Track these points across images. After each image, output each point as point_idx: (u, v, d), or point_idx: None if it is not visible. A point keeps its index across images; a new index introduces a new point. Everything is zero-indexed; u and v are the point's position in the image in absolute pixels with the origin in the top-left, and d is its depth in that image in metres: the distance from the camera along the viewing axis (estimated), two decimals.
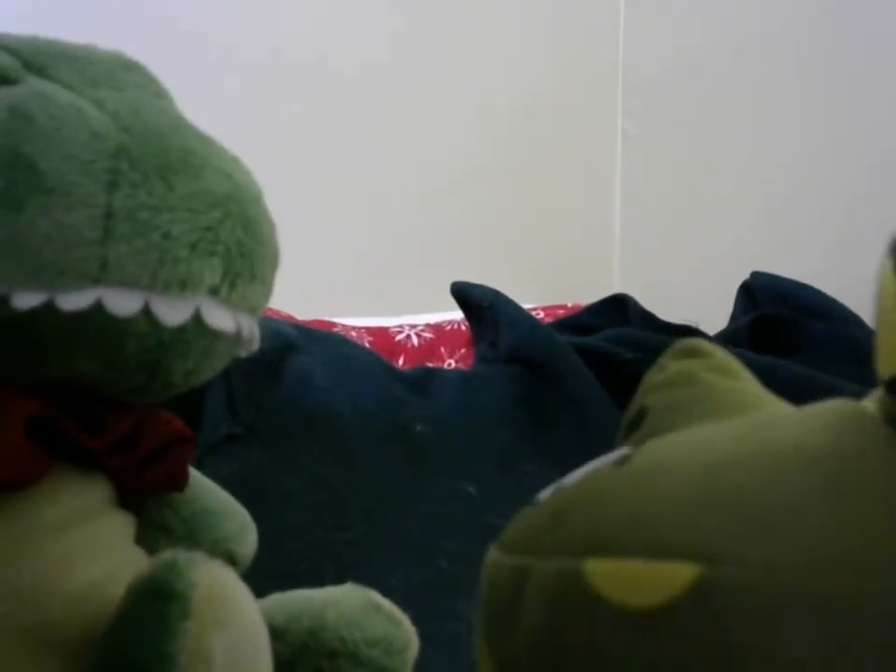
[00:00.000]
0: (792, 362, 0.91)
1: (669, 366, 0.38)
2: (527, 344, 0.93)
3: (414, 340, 1.11)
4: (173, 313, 0.36)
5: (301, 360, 0.83)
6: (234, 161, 0.39)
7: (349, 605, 0.44)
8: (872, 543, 0.23)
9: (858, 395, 0.29)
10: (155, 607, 0.32)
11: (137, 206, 0.35)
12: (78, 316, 0.34)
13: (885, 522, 0.24)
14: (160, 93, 0.41)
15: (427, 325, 1.15)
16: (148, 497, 0.42)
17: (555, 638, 0.26)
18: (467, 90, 1.55)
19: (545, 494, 0.31)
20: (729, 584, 0.24)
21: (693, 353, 0.38)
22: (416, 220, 1.51)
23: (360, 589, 0.46)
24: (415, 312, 1.21)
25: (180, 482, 0.42)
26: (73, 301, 0.34)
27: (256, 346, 0.41)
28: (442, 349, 1.11)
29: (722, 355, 0.38)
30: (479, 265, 1.28)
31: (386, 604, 0.46)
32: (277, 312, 1.03)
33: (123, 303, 0.35)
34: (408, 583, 0.65)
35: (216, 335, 0.38)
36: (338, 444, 0.77)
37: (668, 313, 1.10)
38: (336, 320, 1.13)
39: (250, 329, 0.40)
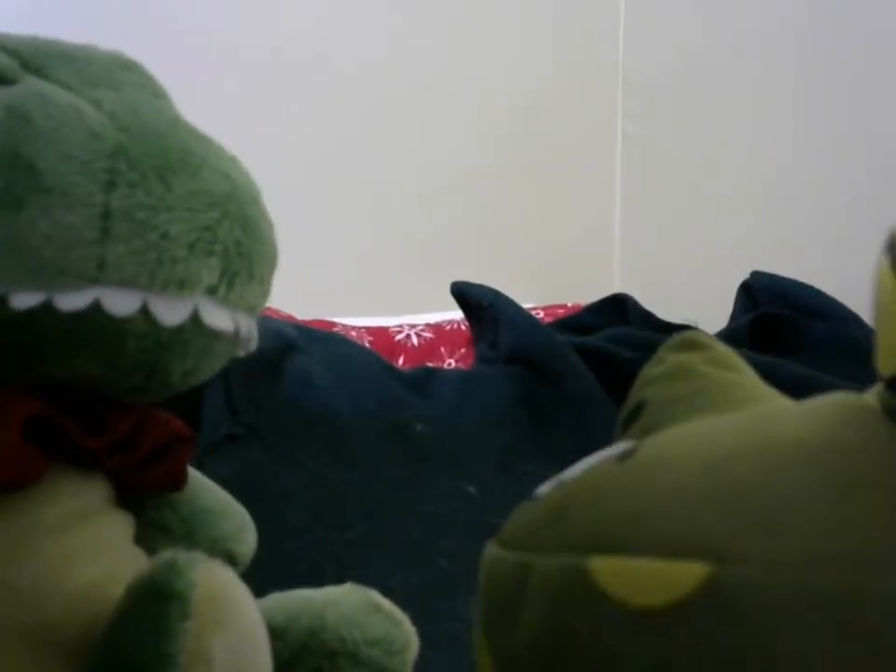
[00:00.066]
0: (792, 362, 0.91)
1: (668, 359, 0.38)
2: (527, 344, 0.93)
3: (414, 340, 1.11)
4: (171, 312, 0.36)
5: (301, 360, 0.83)
6: (233, 160, 0.39)
7: (349, 605, 0.44)
8: (873, 538, 0.23)
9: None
10: (154, 607, 0.32)
11: (135, 206, 0.35)
12: (77, 316, 0.34)
13: (886, 515, 0.24)
14: (158, 93, 0.41)
15: (427, 325, 1.15)
16: (148, 497, 0.42)
17: (559, 636, 0.26)
18: (467, 90, 1.55)
19: (544, 489, 0.31)
20: (738, 583, 0.23)
21: (691, 346, 0.38)
22: (416, 220, 1.51)
23: (360, 589, 0.46)
24: (415, 312, 1.21)
25: (179, 481, 0.42)
26: (71, 301, 0.34)
27: (254, 346, 0.41)
28: (442, 349, 1.11)
29: (721, 348, 0.38)
30: (479, 265, 1.28)
31: (386, 604, 0.45)
32: (277, 312, 1.03)
33: (121, 303, 0.35)
34: (408, 583, 0.65)
35: (214, 335, 0.38)
36: (338, 444, 0.77)
37: (668, 313, 1.10)
38: (336, 320, 1.13)
39: (248, 328, 0.40)
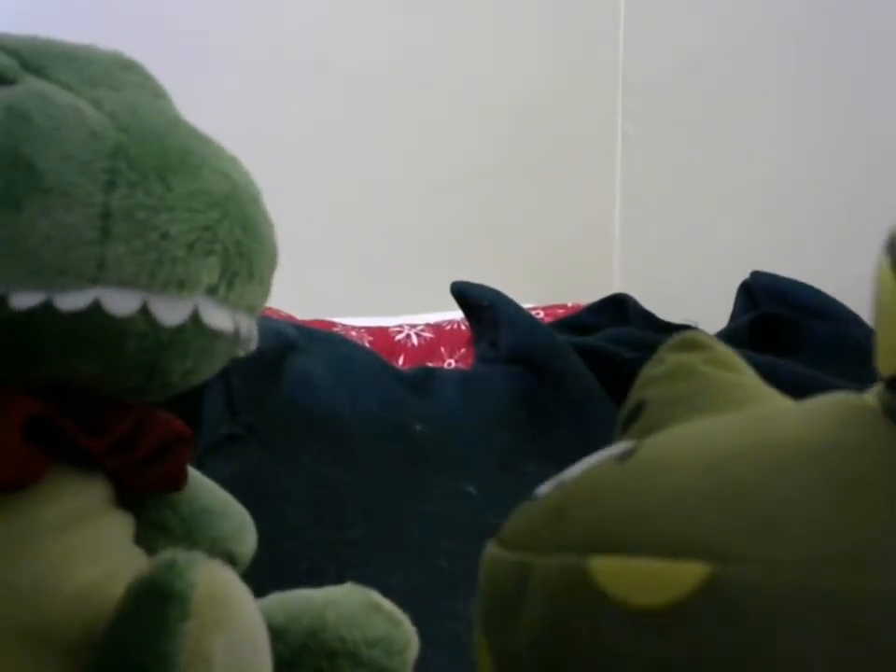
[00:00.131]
0: (792, 362, 0.91)
1: (668, 359, 0.38)
2: (527, 344, 0.93)
3: (414, 340, 1.11)
4: (171, 312, 0.36)
5: (300, 360, 0.83)
6: (232, 160, 0.39)
7: (349, 605, 0.44)
8: (873, 538, 0.23)
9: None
10: (154, 607, 0.32)
11: (135, 206, 0.35)
12: (77, 316, 0.34)
13: (886, 515, 0.24)
14: (158, 93, 0.41)
15: (427, 325, 1.15)
16: (148, 497, 0.42)
17: (559, 636, 0.26)
18: (467, 90, 1.55)
19: (544, 489, 0.31)
20: (739, 583, 0.23)
21: (691, 345, 0.38)
22: (416, 220, 1.51)
23: (360, 589, 0.46)
24: (415, 312, 1.21)
25: (179, 482, 0.42)
26: (71, 301, 0.34)
27: (254, 346, 0.41)
28: (442, 349, 1.11)
29: (721, 347, 0.38)
30: (479, 265, 1.27)
31: (386, 604, 0.45)
32: (277, 312, 1.03)
33: (121, 303, 0.35)
34: (408, 583, 0.65)
35: (214, 335, 0.38)
36: (338, 444, 0.77)
37: (668, 313, 1.10)
38: (336, 320, 1.13)
39: (248, 328, 0.40)
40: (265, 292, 0.40)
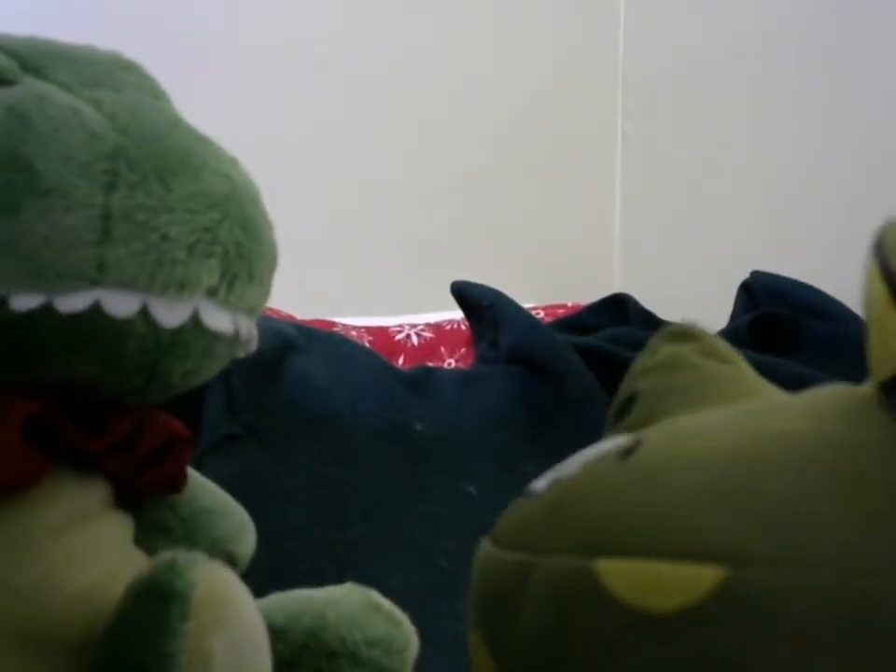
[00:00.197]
0: (792, 362, 0.91)
1: (660, 349, 0.37)
2: (527, 344, 0.93)
3: (414, 339, 1.11)
4: (171, 314, 0.35)
5: (300, 360, 0.83)
6: (232, 161, 0.39)
7: (349, 605, 0.44)
8: (889, 540, 0.23)
9: None
10: (154, 607, 0.32)
11: (135, 208, 0.35)
12: (76, 318, 0.34)
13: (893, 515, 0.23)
14: (157, 94, 0.41)
15: (427, 324, 1.15)
16: (147, 498, 0.42)
17: (564, 639, 0.26)
18: (467, 90, 1.55)
19: (539, 485, 0.31)
20: (754, 587, 0.23)
21: (683, 336, 0.38)
22: (416, 220, 1.51)
23: (360, 589, 0.46)
24: (415, 312, 1.20)
25: (179, 483, 0.42)
26: (71, 303, 0.34)
27: (254, 347, 0.41)
28: (442, 349, 1.11)
29: (713, 338, 0.38)
30: (479, 265, 1.27)
31: (386, 604, 0.45)
32: (277, 312, 1.03)
33: (121, 305, 0.35)
34: (408, 583, 0.65)
35: (214, 336, 0.38)
36: (338, 444, 0.77)
37: (668, 313, 1.10)
38: (336, 320, 1.12)
39: (248, 329, 0.40)
40: (265, 293, 0.40)
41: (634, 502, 0.26)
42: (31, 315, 0.34)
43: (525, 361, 0.92)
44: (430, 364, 1.04)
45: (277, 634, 0.42)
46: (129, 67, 0.40)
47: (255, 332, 0.41)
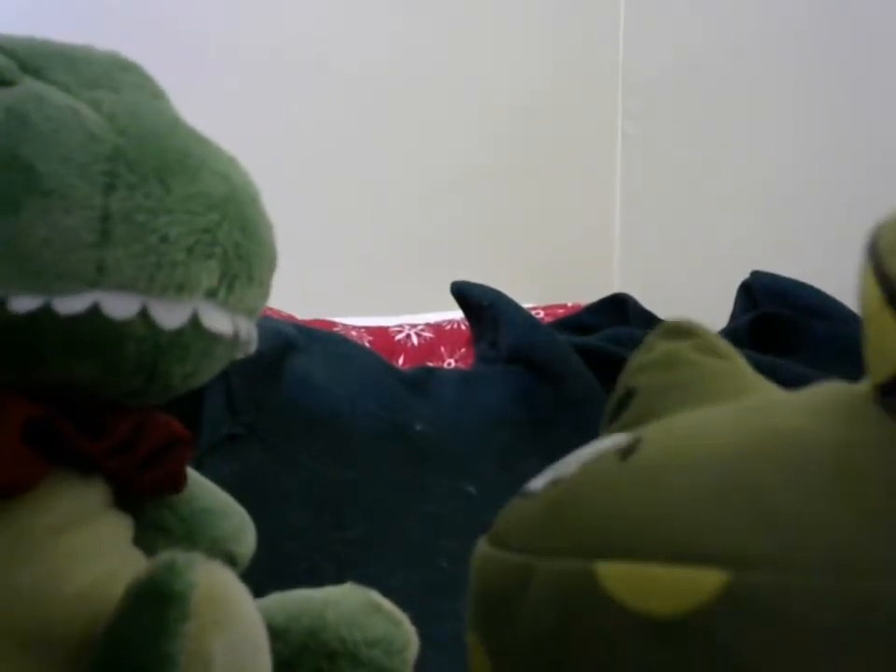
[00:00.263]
0: (793, 362, 0.91)
1: (657, 346, 0.37)
2: (527, 344, 0.93)
3: (414, 339, 1.11)
4: (170, 316, 0.35)
5: (301, 360, 0.83)
6: (231, 161, 0.39)
7: (349, 605, 0.44)
8: (878, 538, 0.23)
9: None
10: (154, 608, 0.32)
11: (134, 209, 0.34)
12: (76, 320, 0.34)
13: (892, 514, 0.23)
14: (157, 94, 0.41)
15: (427, 324, 1.15)
16: (147, 499, 0.42)
17: (564, 643, 0.26)
18: (467, 90, 1.55)
19: (537, 484, 0.31)
20: (758, 590, 0.23)
21: (680, 333, 0.38)
22: (416, 220, 1.51)
23: (360, 589, 0.46)
24: (415, 312, 1.20)
25: (178, 483, 0.42)
26: (70, 305, 0.34)
27: (253, 348, 0.41)
28: (442, 349, 1.11)
29: (710, 334, 0.38)
30: (479, 265, 1.27)
31: (386, 604, 0.45)
32: (277, 312, 1.03)
33: (120, 307, 0.34)
34: (408, 583, 0.65)
35: (213, 338, 0.37)
36: (338, 444, 0.77)
37: (668, 313, 1.09)
38: (336, 320, 1.12)
39: (248, 331, 0.40)
40: (265, 294, 0.40)
41: (634, 503, 0.26)
42: (30, 317, 0.34)
43: (525, 361, 0.92)
44: (430, 364, 1.04)
45: (277, 634, 0.42)
46: (128, 67, 0.40)
47: (254, 333, 0.41)
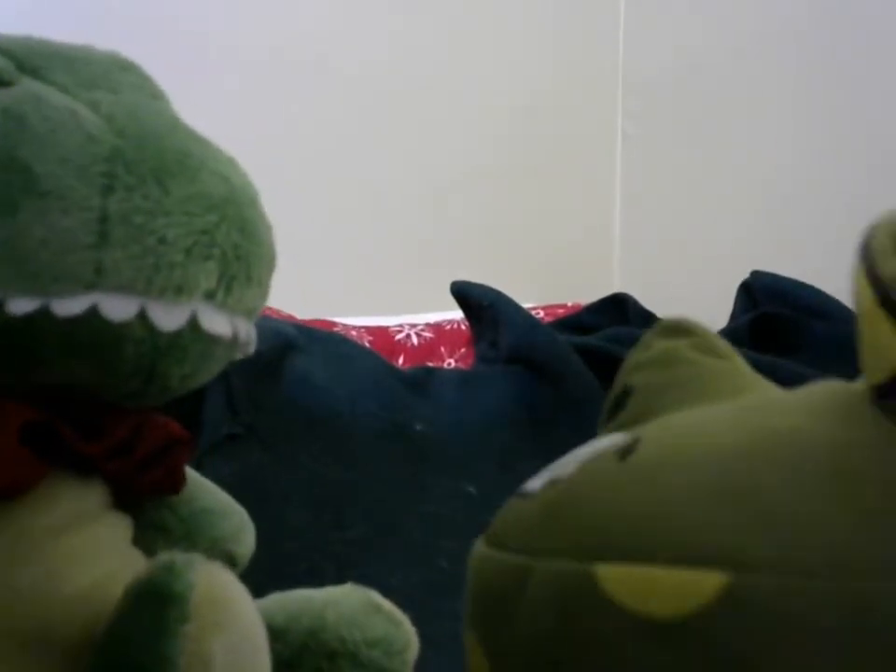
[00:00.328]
0: (793, 362, 0.91)
1: (654, 344, 0.37)
2: (527, 344, 0.93)
3: (414, 339, 1.11)
4: (168, 318, 0.35)
5: (300, 360, 0.83)
6: (231, 162, 0.39)
7: (349, 605, 0.44)
8: (874, 539, 0.23)
9: None
10: (154, 608, 0.32)
11: (132, 210, 0.34)
12: (74, 322, 0.34)
13: (890, 515, 0.23)
14: (155, 94, 0.41)
15: (427, 324, 1.15)
16: (146, 499, 0.42)
17: (563, 645, 0.26)
18: (467, 90, 1.55)
19: (535, 484, 0.30)
20: (758, 592, 0.23)
21: (677, 331, 0.38)
22: (416, 220, 1.51)
23: (360, 589, 0.46)
24: (415, 311, 1.20)
25: (177, 484, 0.41)
26: (68, 307, 0.34)
27: (252, 349, 0.41)
28: (442, 349, 1.11)
29: (708, 333, 0.38)
30: (479, 265, 1.27)
31: (386, 604, 0.45)
32: (277, 312, 1.03)
33: (119, 309, 0.34)
34: (408, 583, 0.65)
35: (212, 339, 0.37)
36: (338, 444, 0.77)
37: (668, 313, 1.09)
38: (336, 320, 1.12)
39: (247, 332, 0.40)
40: (263, 295, 0.40)
41: (633, 503, 0.26)
42: (28, 319, 0.34)
43: (525, 361, 0.91)
44: (430, 364, 1.04)
45: (277, 634, 0.42)
46: (127, 68, 0.40)
47: (253, 335, 0.41)
